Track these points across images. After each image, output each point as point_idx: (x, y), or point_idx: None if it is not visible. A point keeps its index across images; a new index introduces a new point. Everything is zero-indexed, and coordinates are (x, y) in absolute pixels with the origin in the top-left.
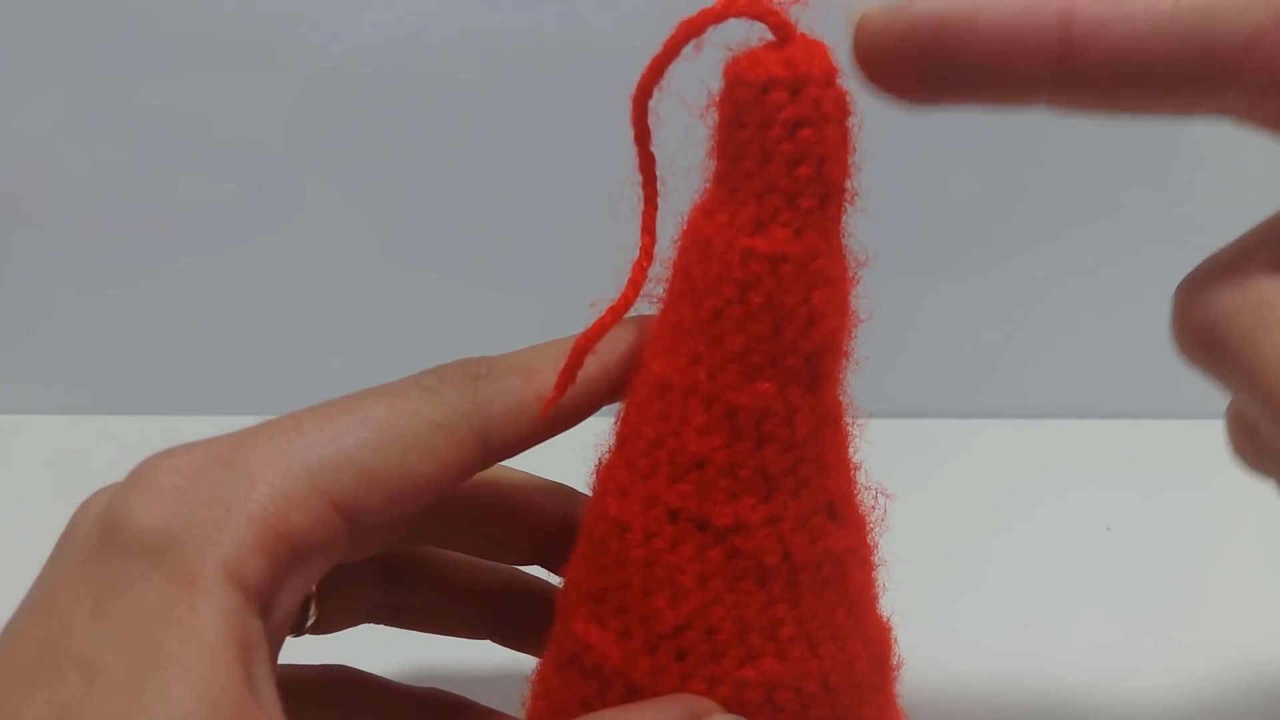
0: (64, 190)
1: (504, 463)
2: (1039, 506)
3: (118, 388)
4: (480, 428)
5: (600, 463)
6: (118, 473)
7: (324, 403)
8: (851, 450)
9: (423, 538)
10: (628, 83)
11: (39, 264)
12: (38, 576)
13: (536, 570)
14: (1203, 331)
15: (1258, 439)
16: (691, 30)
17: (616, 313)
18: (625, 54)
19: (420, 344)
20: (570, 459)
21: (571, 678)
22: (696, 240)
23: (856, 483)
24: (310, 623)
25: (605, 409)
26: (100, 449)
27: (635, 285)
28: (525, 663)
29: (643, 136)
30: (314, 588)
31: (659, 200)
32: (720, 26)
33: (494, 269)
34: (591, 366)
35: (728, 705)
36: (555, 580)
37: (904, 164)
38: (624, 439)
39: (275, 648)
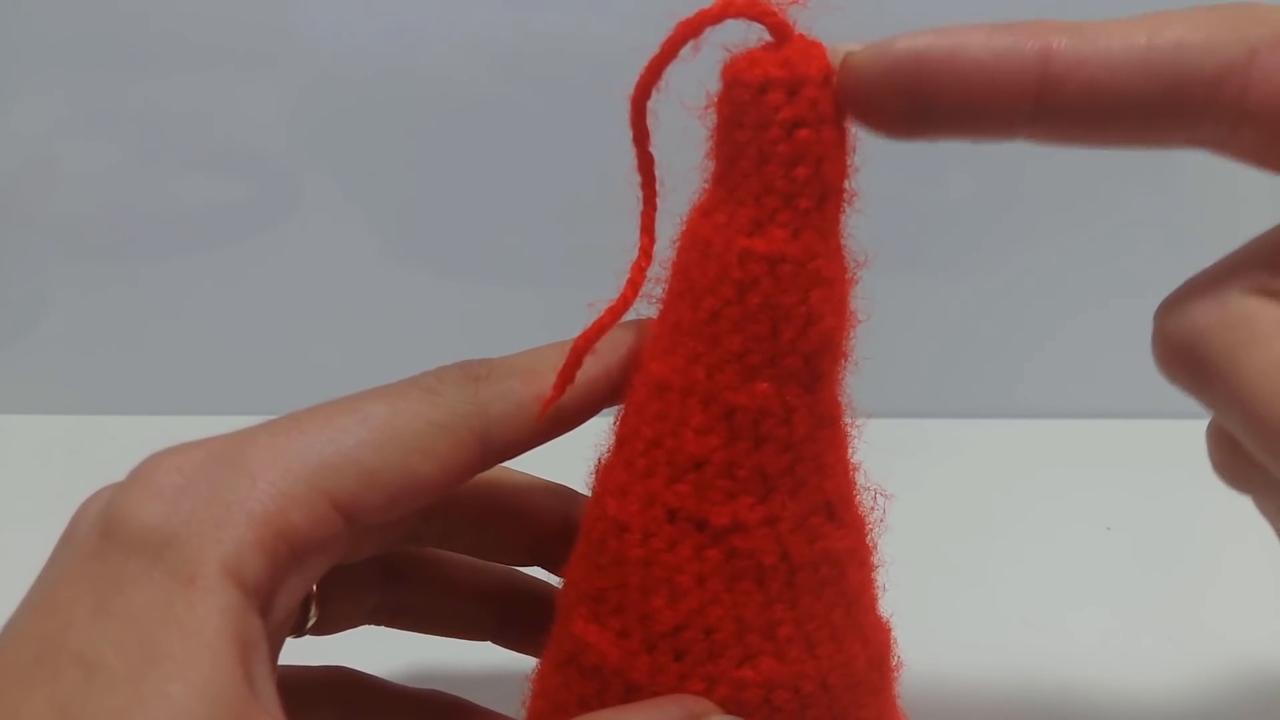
0: (64, 190)
1: (505, 463)
2: (1039, 506)
3: (118, 388)
4: (480, 429)
5: (599, 462)
6: (118, 472)
7: (325, 403)
8: (850, 451)
9: (423, 538)
10: (626, 83)
11: (39, 264)
12: (39, 575)
13: (537, 571)
14: (1184, 350)
15: (1238, 456)
16: (689, 31)
17: (615, 313)
18: (623, 54)
19: (420, 344)
20: (570, 459)
21: (570, 677)
22: (695, 241)
23: (855, 483)
24: (311, 623)
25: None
26: (100, 449)
27: (634, 285)
28: (525, 663)
29: (641, 137)
30: (314, 588)
31: (658, 201)
32: (718, 27)
33: (494, 269)
34: (592, 368)
35: (725, 705)
36: (555, 581)
37: (903, 164)
38: (623, 438)
39: (275, 647)
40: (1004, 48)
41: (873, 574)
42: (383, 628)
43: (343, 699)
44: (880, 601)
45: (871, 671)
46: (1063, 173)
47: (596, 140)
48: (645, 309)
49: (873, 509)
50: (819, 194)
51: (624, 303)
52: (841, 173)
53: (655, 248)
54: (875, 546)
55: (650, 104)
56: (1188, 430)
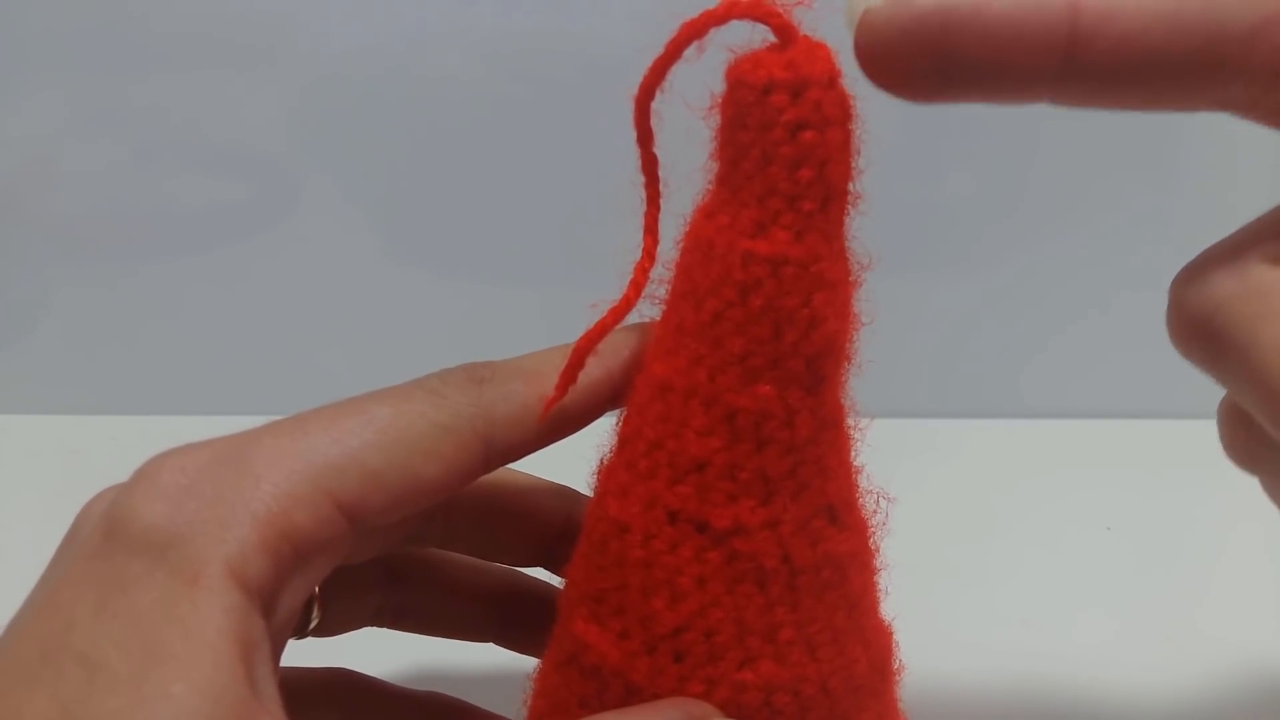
0: (64, 190)
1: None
2: (1039, 506)
3: (119, 388)
4: (484, 430)
5: (602, 463)
6: (120, 473)
7: (329, 405)
8: (853, 454)
9: (425, 539)
10: (630, 84)
11: (39, 264)
12: (42, 575)
13: (539, 572)
14: (1200, 322)
15: (1250, 435)
16: (693, 32)
17: (618, 314)
18: (627, 55)
19: (420, 344)
20: (573, 460)
21: (570, 677)
22: (698, 242)
23: (858, 486)
24: (313, 625)
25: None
26: (102, 449)
27: (637, 286)
28: (526, 664)
29: (645, 138)
30: (317, 590)
31: (661, 201)
32: (722, 28)
33: (494, 269)
34: (595, 370)
35: (725, 708)
36: (558, 582)
37: (904, 164)
38: (625, 439)
39: (278, 647)
40: (1032, 2)
41: (875, 577)
42: (384, 629)
43: (344, 701)
44: (882, 605)
45: (873, 675)
46: (1063, 172)
47: (599, 141)
48: (648, 310)
49: (876, 513)
50: (823, 196)
51: (626, 303)
52: (846, 175)
53: (659, 248)
54: (877, 550)
55: (654, 105)
56: (1188, 430)
